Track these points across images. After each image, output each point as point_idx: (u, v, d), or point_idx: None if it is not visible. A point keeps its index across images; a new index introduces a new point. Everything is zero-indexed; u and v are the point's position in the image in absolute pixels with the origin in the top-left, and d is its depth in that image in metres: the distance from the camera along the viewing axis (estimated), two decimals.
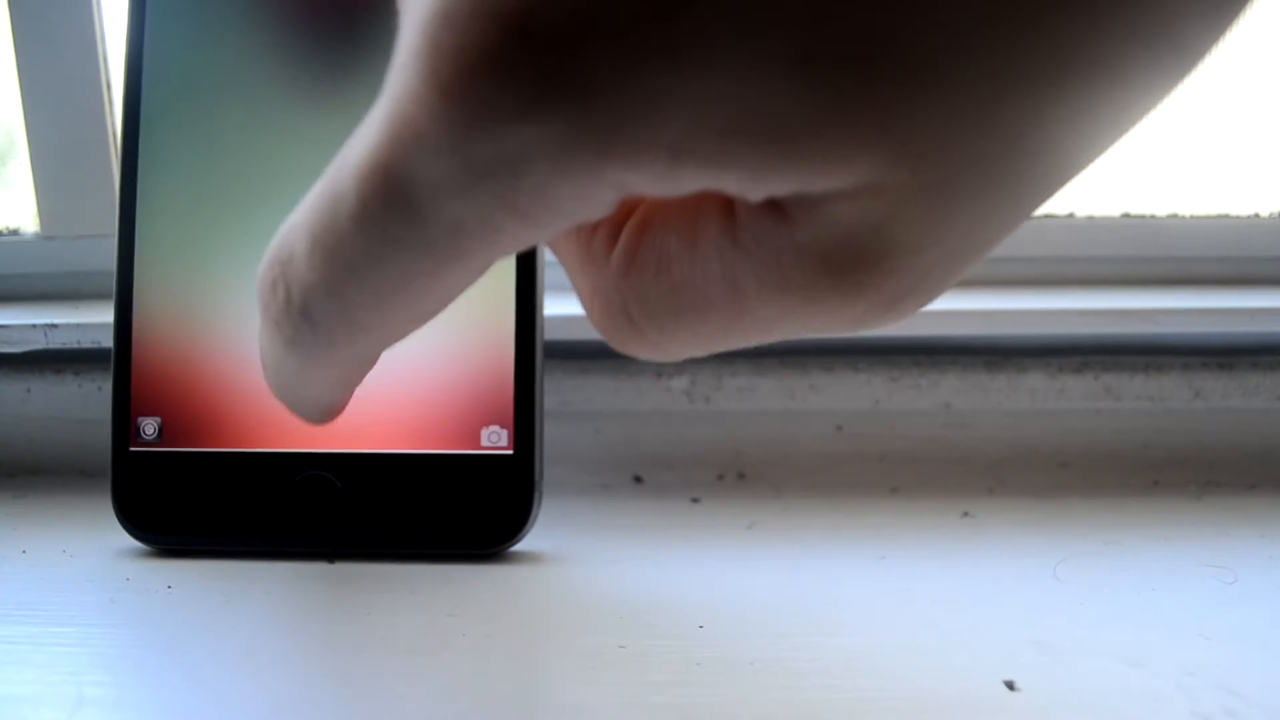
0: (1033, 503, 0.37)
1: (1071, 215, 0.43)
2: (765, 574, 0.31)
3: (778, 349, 0.41)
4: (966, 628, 0.27)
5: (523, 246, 0.15)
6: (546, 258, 0.37)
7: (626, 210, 0.17)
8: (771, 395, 0.41)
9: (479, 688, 0.24)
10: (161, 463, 0.32)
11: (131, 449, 0.33)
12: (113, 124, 0.42)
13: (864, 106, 0.12)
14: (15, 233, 0.44)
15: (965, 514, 0.36)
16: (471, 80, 0.13)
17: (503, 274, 0.32)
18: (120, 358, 0.33)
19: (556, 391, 0.40)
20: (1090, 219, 0.43)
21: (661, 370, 0.41)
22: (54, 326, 0.38)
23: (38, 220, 0.43)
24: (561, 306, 0.38)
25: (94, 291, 0.42)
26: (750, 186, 0.14)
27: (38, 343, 0.38)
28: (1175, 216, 0.43)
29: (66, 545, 0.34)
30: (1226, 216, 0.43)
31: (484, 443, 0.32)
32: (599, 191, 0.14)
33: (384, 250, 0.15)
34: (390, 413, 0.32)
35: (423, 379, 0.32)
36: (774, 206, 0.14)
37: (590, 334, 0.39)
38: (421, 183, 0.14)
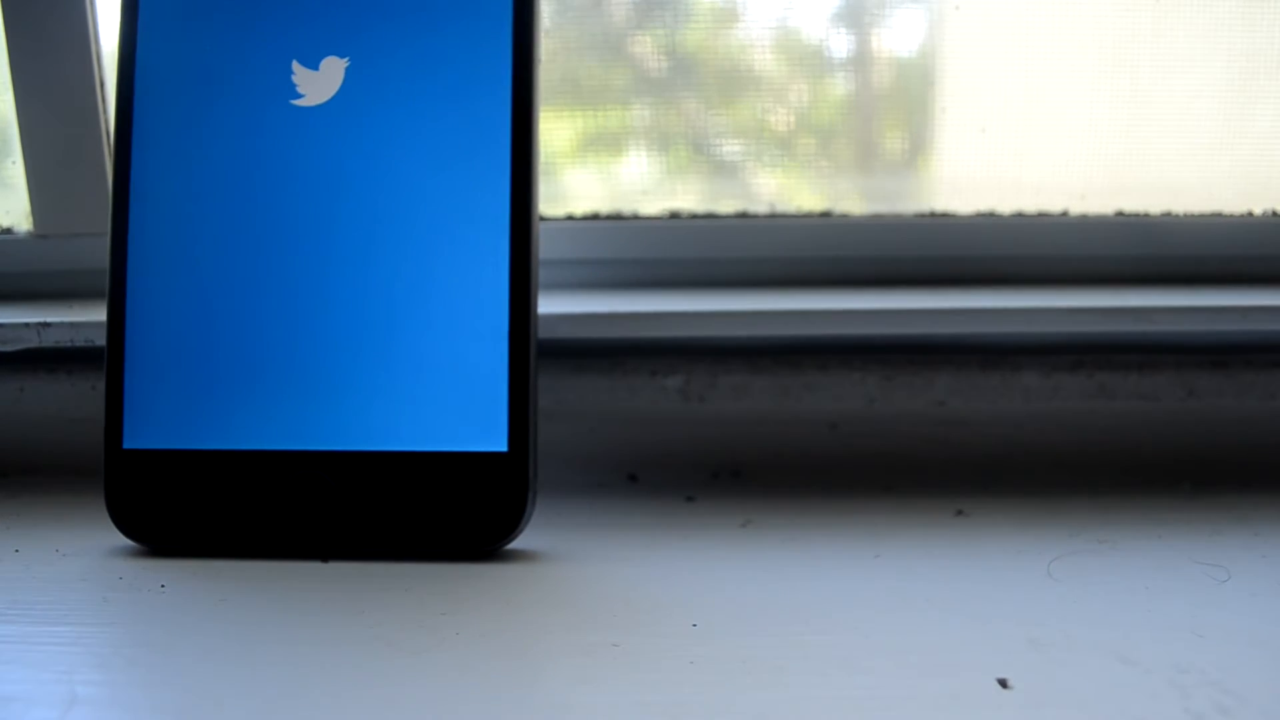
0: (1027, 501, 0.37)
1: (1065, 214, 0.43)
2: (759, 572, 0.31)
3: (772, 347, 0.41)
4: (960, 626, 0.27)
5: None
6: (541, 255, 0.37)
7: None
8: (766, 394, 0.41)
9: (473, 686, 0.24)
10: (154, 462, 0.32)
11: (124, 448, 0.33)
12: (106, 123, 0.42)
13: None
14: (9, 231, 0.44)
15: (959, 512, 0.36)
16: None
17: (496, 272, 0.32)
18: (113, 356, 0.33)
19: (551, 390, 0.40)
20: (1084, 217, 0.43)
21: (656, 369, 0.41)
22: (47, 325, 0.38)
23: (31, 219, 0.43)
24: (555, 305, 0.38)
25: (87, 290, 0.42)
26: None
27: (31, 341, 0.38)
28: (1169, 215, 0.43)
29: (59, 544, 0.33)
30: (1220, 215, 0.43)
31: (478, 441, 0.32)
32: None
33: None
34: (384, 412, 0.32)
35: (416, 377, 0.32)
36: None
37: (584, 332, 0.39)
38: None
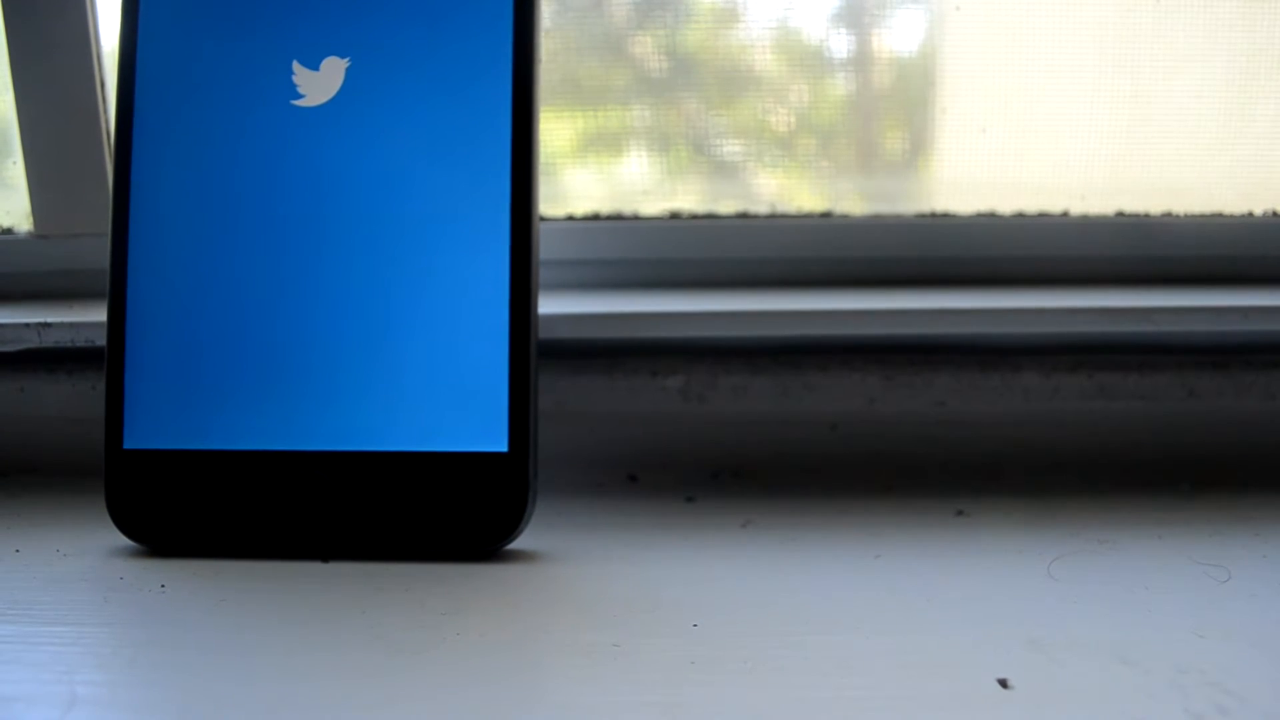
0: (1027, 501, 0.37)
1: (1066, 214, 0.43)
2: (760, 573, 0.31)
3: (772, 347, 0.41)
4: (960, 626, 0.27)
5: None
6: (541, 255, 0.37)
7: None
8: (766, 394, 0.41)
9: (473, 686, 0.24)
10: (155, 462, 0.32)
11: (125, 448, 0.33)
12: (106, 123, 0.42)
13: None
14: (9, 232, 0.44)
15: (959, 513, 0.36)
16: None
17: (496, 271, 0.32)
18: (113, 357, 0.33)
19: (551, 391, 0.40)
20: (1085, 218, 0.43)
21: (656, 369, 0.41)
22: (47, 325, 0.38)
23: (31, 219, 0.43)
24: (555, 305, 0.38)
25: (88, 290, 0.42)
26: None
27: (31, 342, 0.38)
28: (1169, 215, 0.43)
29: (60, 544, 0.33)
30: (1220, 215, 0.43)
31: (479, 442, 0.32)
32: None
33: None
34: (384, 412, 0.32)
35: (417, 377, 0.32)
36: None
37: (584, 333, 0.39)
38: None
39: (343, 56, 0.33)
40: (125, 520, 0.32)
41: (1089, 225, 0.42)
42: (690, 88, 0.44)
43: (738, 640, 0.27)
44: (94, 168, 0.42)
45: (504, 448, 0.31)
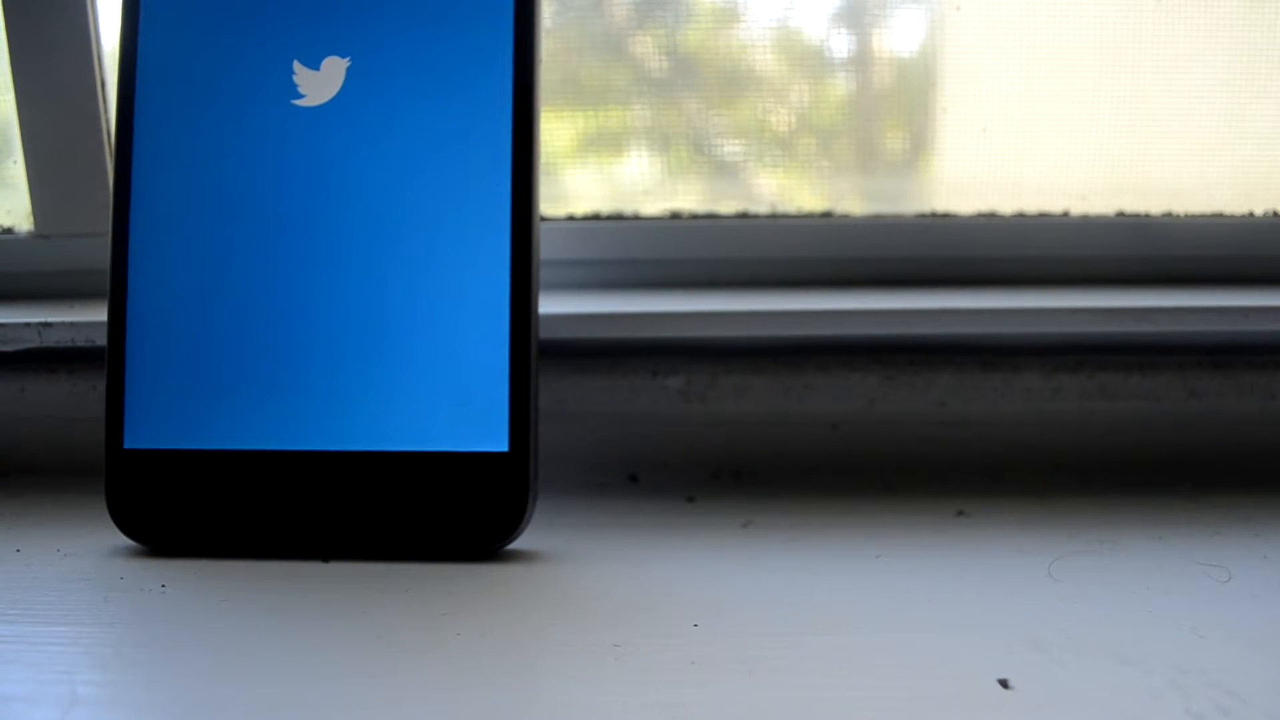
0: (1028, 501, 0.37)
1: (1066, 214, 0.43)
2: (760, 573, 0.31)
3: (773, 348, 0.41)
4: (961, 626, 0.27)
5: None
6: (542, 255, 0.37)
7: None
8: (767, 394, 0.41)
9: (473, 687, 0.24)
10: (155, 462, 0.32)
11: (125, 448, 0.33)
12: (107, 123, 0.42)
13: None
14: (10, 231, 0.44)
15: (960, 513, 0.36)
16: None
17: (497, 272, 0.32)
18: (114, 356, 0.33)
19: (551, 390, 0.40)
20: (1085, 218, 0.43)
21: (657, 369, 0.41)
22: (48, 325, 0.38)
23: (32, 219, 0.43)
24: (556, 305, 0.38)
25: (88, 290, 0.42)
26: None
27: (32, 341, 0.38)
28: (1170, 215, 0.43)
29: (60, 544, 0.33)
30: (1221, 216, 0.43)
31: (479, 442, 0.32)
32: None
33: None
34: (385, 412, 0.32)
35: (417, 377, 0.32)
36: None
37: (585, 333, 0.39)
38: None
39: (343, 56, 0.33)
40: (125, 520, 0.32)
41: (1089, 225, 0.42)
42: (690, 88, 0.44)
43: (738, 640, 0.27)
44: (94, 167, 0.42)
45: (504, 448, 0.31)
